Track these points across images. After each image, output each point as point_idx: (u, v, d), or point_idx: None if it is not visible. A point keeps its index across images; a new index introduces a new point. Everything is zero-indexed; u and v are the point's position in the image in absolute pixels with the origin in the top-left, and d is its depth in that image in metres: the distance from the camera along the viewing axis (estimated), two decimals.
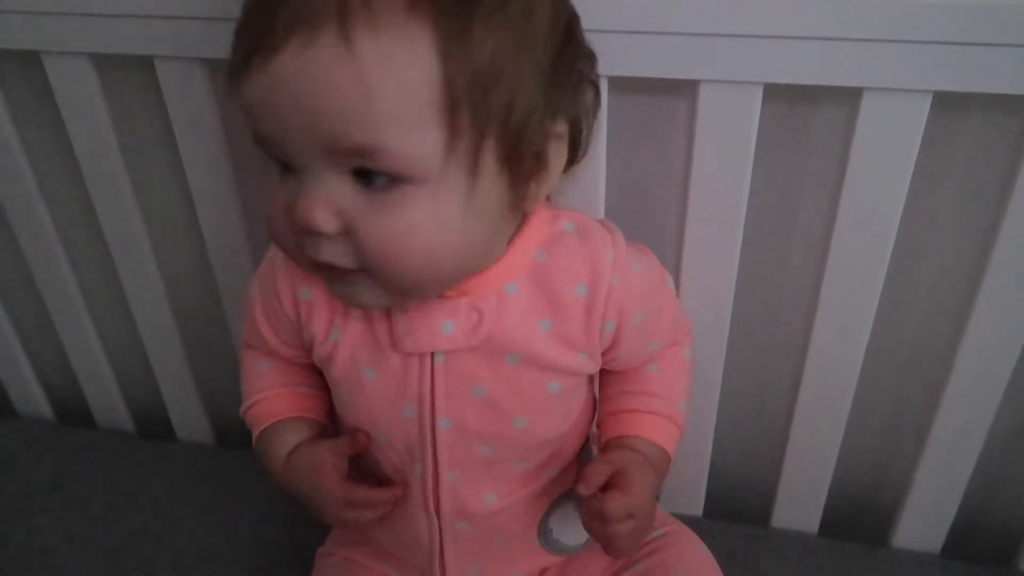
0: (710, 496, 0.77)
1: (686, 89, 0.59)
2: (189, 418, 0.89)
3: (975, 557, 0.73)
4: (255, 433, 0.59)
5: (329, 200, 0.42)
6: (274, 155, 0.44)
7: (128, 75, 0.72)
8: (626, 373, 0.60)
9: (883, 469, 0.80)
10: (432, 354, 0.51)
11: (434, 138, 0.40)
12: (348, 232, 0.42)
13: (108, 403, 0.91)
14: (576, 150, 0.51)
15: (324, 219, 0.42)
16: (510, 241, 0.50)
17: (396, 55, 0.38)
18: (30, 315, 0.91)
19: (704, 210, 0.61)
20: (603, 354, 0.54)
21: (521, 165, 0.44)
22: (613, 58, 0.55)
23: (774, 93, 0.57)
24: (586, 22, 0.48)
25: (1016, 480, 0.77)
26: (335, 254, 0.43)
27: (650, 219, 0.69)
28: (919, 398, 0.72)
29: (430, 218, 0.42)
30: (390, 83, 0.38)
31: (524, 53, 0.42)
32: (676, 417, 0.59)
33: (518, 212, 0.48)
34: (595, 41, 0.50)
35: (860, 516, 0.81)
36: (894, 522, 0.74)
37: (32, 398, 0.94)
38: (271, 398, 0.60)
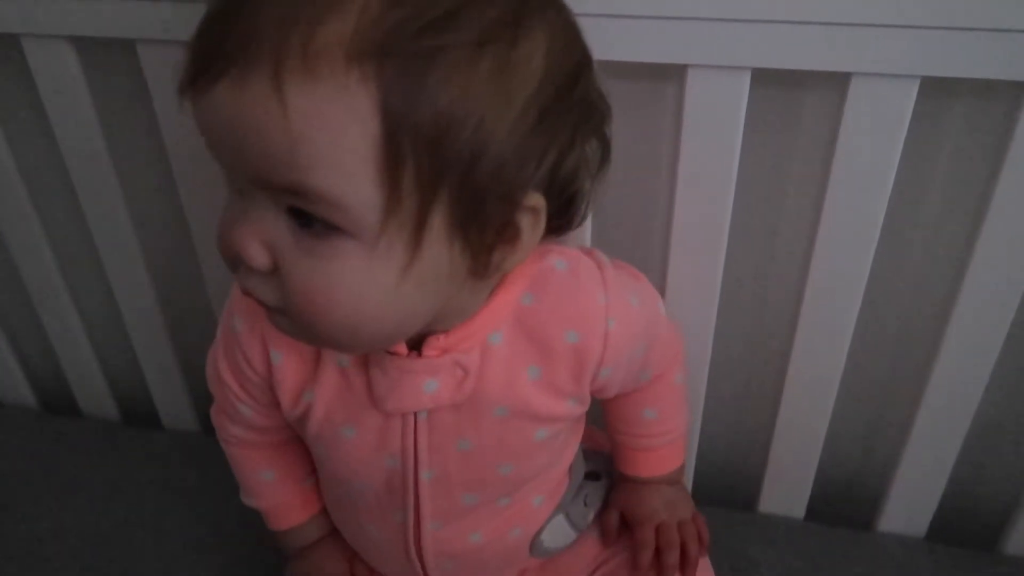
0: (697, 481, 0.77)
1: (674, 74, 0.59)
2: (174, 406, 0.89)
3: (959, 541, 0.73)
4: (268, 526, 0.62)
5: (264, 233, 0.39)
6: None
7: (110, 59, 0.71)
8: (622, 414, 0.60)
9: (869, 454, 0.80)
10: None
11: (371, 194, 0.37)
12: (276, 270, 0.40)
13: (93, 391, 0.91)
14: (571, 213, 0.46)
15: (255, 252, 0.39)
16: (493, 290, 0.47)
17: (329, 107, 0.35)
18: (13, 304, 0.90)
19: (692, 195, 0.61)
20: (594, 392, 0.52)
21: (482, 234, 0.40)
22: (600, 43, 0.54)
23: (762, 78, 0.57)
24: (572, 5, 0.47)
25: (1000, 465, 0.78)
26: (260, 289, 0.41)
27: (637, 204, 0.69)
28: (905, 384, 0.73)
29: (359, 277, 0.39)
30: (320, 134, 0.35)
31: (492, 114, 0.37)
32: (678, 437, 0.61)
33: (481, 280, 0.44)
34: (581, 25, 0.49)
35: (846, 501, 0.81)
36: (880, 507, 0.75)
37: (16, 387, 0.93)
38: (283, 503, 0.61)
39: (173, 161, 0.71)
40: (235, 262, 0.42)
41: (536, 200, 0.41)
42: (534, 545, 0.58)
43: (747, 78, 0.56)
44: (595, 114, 0.45)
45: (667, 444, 0.61)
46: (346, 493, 0.56)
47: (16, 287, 0.86)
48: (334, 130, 0.35)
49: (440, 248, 0.40)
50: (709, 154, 0.59)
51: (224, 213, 0.42)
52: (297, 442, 0.59)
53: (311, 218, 0.38)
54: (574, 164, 0.43)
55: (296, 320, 0.41)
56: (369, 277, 0.39)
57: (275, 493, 0.60)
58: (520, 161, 0.39)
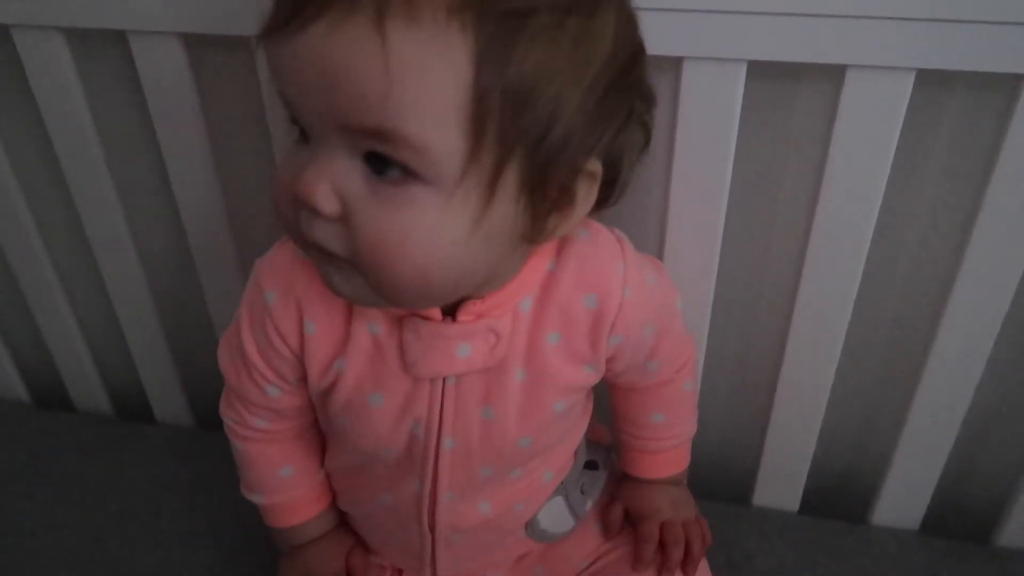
0: (693, 474, 0.77)
1: (669, 66, 0.58)
2: (168, 400, 0.88)
3: (953, 534, 0.74)
4: (270, 523, 0.62)
5: (335, 179, 0.40)
6: (296, 120, 0.42)
7: (102, 50, 0.70)
8: (630, 416, 0.61)
9: (863, 448, 0.81)
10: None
11: (456, 143, 0.38)
12: (345, 218, 0.40)
13: (86, 386, 0.90)
14: (611, 191, 0.48)
15: (324, 197, 0.40)
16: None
17: (428, 53, 0.36)
18: (5, 298, 0.89)
19: (687, 188, 0.61)
20: (606, 362, 0.53)
21: (544, 196, 0.42)
22: None
23: (758, 70, 0.56)
24: None
25: (993, 458, 0.78)
26: (327, 237, 0.41)
27: (633, 196, 0.68)
28: (899, 377, 0.73)
29: (433, 226, 0.40)
30: (417, 79, 0.36)
31: (569, 80, 0.39)
32: (684, 442, 0.63)
33: (530, 245, 0.45)
34: None
35: (840, 494, 0.82)
36: (873, 500, 0.75)
37: (9, 382, 0.93)
38: (295, 498, 0.61)
39: (165, 153, 0.71)
40: (296, 213, 0.42)
41: (595, 166, 0.43)
42: (530, 525, 0.59)
43: (743, 70, 0.56)
44: (647, 99, 0.48)
45: (672, 448, 0.63)
46: (365, 464, 0.56)
47: (8, 281, 0.85)
48: (430, 76, 0.37)
49: (508, 205, 0.41)
50: (705, 146, 0.59)
51: (284, 164, 0.43)
52: (313, 429, 0.60)
53: (390, 164, 0.39)
54: (624, 143, 0.46)
55: (366, 269, 0.41)
56: (442, 226, 0.40)
57: (290, 489, 0.60)
58: (587, 129, 0.41)
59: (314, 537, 0.62)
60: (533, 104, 0.38)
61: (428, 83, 0.37)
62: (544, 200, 0.42)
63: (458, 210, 0.40)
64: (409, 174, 0.39)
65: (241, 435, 0.59)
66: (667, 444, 0.62)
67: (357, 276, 0.42)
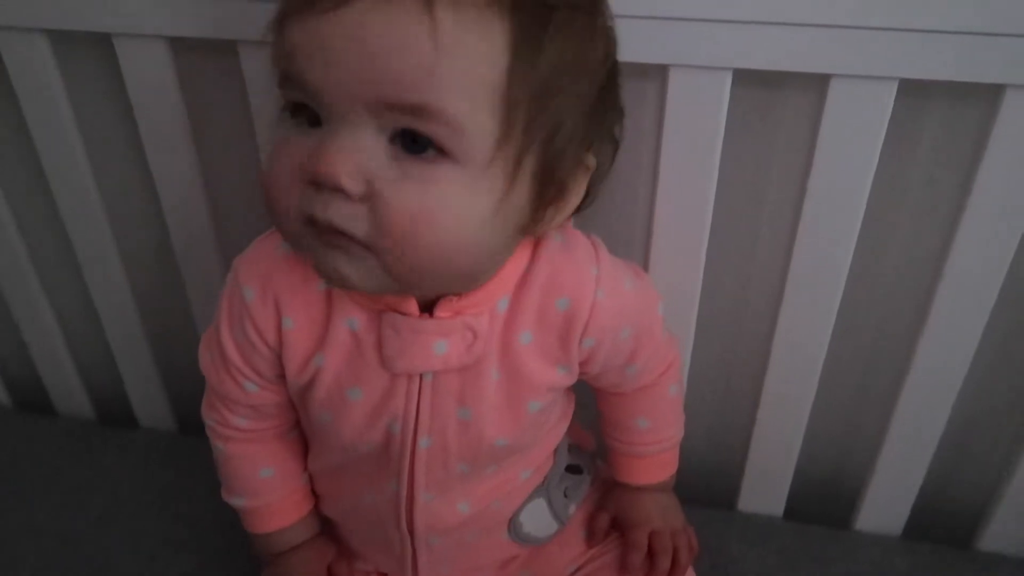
0: (678, 480, 0.77)
1: (655, 73, 0.59)
2: (151, 405, 0.88)
3: (935, 539, 0.74)
4: (251, 529, 0.61)
5: (359, 158, 0.40)
6: (305, 103, 0.41)
7: (86, 53, 0.70)
8: (616, 421, 0.62)
9: (847, 454, 0.81)
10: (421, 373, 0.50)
11: (489, 125, 0.40)
12: (369, 198, 0.40)
13: (67, 390, 0.90)
14: (586, 195, 0.49)
15: (350, 176, 0.39)
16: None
17: (471, 35, 0.38)
18: None
19: (673, 194, 0.61)
20: (580, 365, 0.53)
21: (549, 187, 0.44)
22: None
23: (743, 78, 0.57)
24: None
25: (974, 464, 0.79)
26: (347, 218, 0.40)
27: (619, 203, 0.69)
28: (882, 384, 0.73)
29: (462, 204, 0.41)
30: (462, 54, 0.38)
31: (578, 77, 0.42)
32: (671, 447, 0.63)
33: (524, 235, 0.46)
34: None
35: (824, 500, 0.82)
36: (857, 505, 0.75)
37: None
38: (276, 501, 0.60)
39: (150, 157, 0.70)
40: (298, 200, 0.41)
41: (591, 160, 0.46)
42: (513, 527, 0.59)
43: (728, 79, 0.56)
44: (620, 113, 0.50)
45: (659, 453, 0.63)
46: (345, 464, 0.56)
47: None
48: (472, 56, 0.38)
49: (523, 189, 0.43)
50: (690, 154, 0.60)
51: (285, 149, 0.42)
52: (295, 432, 0.60)
53: (423, 143, 0.40)
54: (602, 146, 0.48)
55: (389, 249, 0.41)
56: (470, 204, 0.41)
57: (270, 491, 0.60)
58: (587, 122, 0.44)
59: (295, 544, 0.61)
60: (552, 99, 0.41)
61: (470, 63, 0.38)
62: (549, 188, 0.44)
63: (484, 192, 0.41)
64: (441, 153, 0.40)
65: (223, 435, 0.58)
66: (653, 449, 0.62)
67: (371, 259, 0.42)
